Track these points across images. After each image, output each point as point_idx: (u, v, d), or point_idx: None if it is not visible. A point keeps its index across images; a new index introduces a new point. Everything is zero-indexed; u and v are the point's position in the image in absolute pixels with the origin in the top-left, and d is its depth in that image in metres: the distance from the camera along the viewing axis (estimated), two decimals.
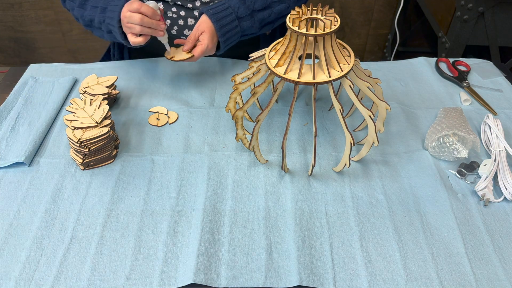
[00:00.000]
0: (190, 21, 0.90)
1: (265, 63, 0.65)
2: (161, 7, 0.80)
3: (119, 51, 1.03)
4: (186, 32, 0.92)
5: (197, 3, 0.88)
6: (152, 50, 0.98)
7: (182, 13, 0.89)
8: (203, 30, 0.81)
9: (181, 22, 0.91)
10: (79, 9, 0.86)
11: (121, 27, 0.79)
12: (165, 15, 0.91)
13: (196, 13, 0.89)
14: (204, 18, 0.81)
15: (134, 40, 0.77)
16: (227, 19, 0.82)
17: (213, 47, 0.83)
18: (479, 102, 0.86)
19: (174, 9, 0.89)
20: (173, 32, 0.93)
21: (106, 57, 1.10)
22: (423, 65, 0.97)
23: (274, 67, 0.63)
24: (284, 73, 0.62)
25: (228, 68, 0.95)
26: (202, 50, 0.80)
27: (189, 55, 0.81)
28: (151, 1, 0.77)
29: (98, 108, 0.72)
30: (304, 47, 0.60)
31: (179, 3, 0.88)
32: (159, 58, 0.97)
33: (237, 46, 0.93)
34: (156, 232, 0.62)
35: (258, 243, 0.60)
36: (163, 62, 0.97)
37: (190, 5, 0.88)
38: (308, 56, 0.62)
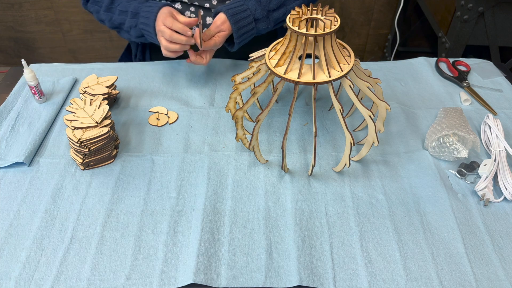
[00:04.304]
0: (209, 20, 0.90)
1: (265, 63, 0.65)
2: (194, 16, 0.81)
3: (142, 53, 1.04)
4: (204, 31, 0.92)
5: (214, 2, 0.88)
6: None
7: (201, 12, 0.89)
8: (224, 30, 0.81)
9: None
10: (106, 13, 0.88)
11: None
12: (183, 14, 0.91)
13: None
14: (224, 18, 0.81)
15: (165, 53, 0.79)
16: (245, 21, 0.82)
17: (220, 45, 0.84)
18: (479, 102, 0.86)
19: (192, 9, 0.90)
20: (192, 31, 0.93)
21: (126, 58, 1.10)
22: (423, 65, 0.97)
23: (274, 67, 0.63)
24: (284, 73, 0.62)
25: (228, 68, 0.95)
26: (213, 45, 0.81)
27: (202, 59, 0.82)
28: None
29: (98, 108, 0.72)
30: (304, 47, 0.60)
31: (196, 3, 0.89)
32: (160, 61, 0.97)
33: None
34: (156, 232, 0.62)
35: (258, 243, 0.60)
36: (163, 62, 0.97)
37: (207, 5, 0.89)
38: (308, 56, 0.62)
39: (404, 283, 0.56)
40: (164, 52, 0.80)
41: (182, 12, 0.91)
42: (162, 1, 0.85)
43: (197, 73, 0.93)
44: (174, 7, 0.90)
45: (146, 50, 1.04)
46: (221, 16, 0.82)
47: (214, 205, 0.65)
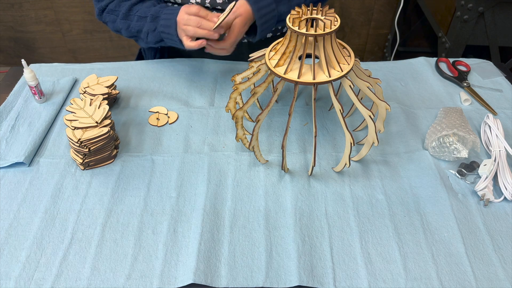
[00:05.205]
0: None
1: (265, 63, 0.65)
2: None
3: (160, 57, 1.03)
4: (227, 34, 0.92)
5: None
6: (191, 54, 0.98)
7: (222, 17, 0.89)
8: (240, 13, 0.78)
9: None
10: (123, 20, 0.86)
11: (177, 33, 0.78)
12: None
13: None
14: (241, 2, 0.79)
15: (189, 44, 0.76)
16: (264, 2, 0.80)
17: (243, 33, 0.80)
18: (479, 102, 0.86)
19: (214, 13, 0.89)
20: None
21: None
22: (423, 65, 0.97)
23: (274, 67, 0.63)
24: (284, 73, 0.62)
25: (228, 68, 0.95)
26: (235, 36, 0.78)
27: (224, 16, 0.74)
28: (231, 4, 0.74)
29: (98, 108, 0.72)
30: (304, 47, 0.60)
31: (219, 7, 0.88)
32: (160, 60, 0.97)
33: (238, 46, 0.94)
34: (156, 232, 0.62)
35: (258, 243, 0.60)
36: (163, 62, 0.97)
37: None
38: (308, 56, 0.62)
39: (404, 283, 0.56)
40: (187, 44, 0.76)
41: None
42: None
43: (197, 73, 0.93)
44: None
45: (165, 55, 1.03)
46: (239, 1, 0.78)
47: (214, 205, 0.65)
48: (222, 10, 0.88)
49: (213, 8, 0.88)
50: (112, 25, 0.89)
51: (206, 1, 0.87)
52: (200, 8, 0.74)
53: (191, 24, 0.74)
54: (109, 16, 0.88)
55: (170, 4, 0.88)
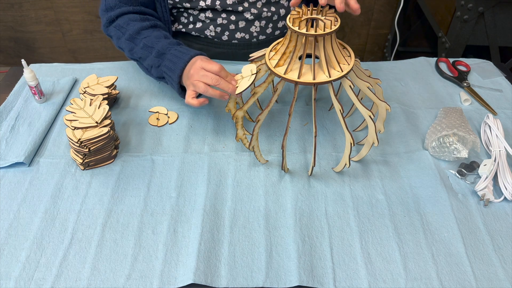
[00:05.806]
0: (241, 23, 0.90)
1: (265, 63, 0.65)
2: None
3: None
4: (237, 35, 0.92)
5: (246, 4, 0.87)
6: None
7: (233, 17, 0.89)
8: None
9: (232, 27, 0.90)
10: (128, 41, 0.81)
11: (180, 80, 0.75)
12: (215, 22, 0.90)
13: (246, 15, 0.89)
14: None
15: (191, 101, 0.71)
16: None
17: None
18: (479, 102, 0.86)
19: (224, 15, 0.89)
20: (224, 38, 0.92)
21: None
22: (423, 65, 0.97)
23: (274, 67, 0.63)
24: (284, 73, 0.62)
25: (228, 68, 0.95)
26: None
27: (249, 81, 0.66)
28: (251, 65, 0.68)
29: (98, 108, 0.72)
30: (304, 47, 0.60)
31: (229, 8, 0.87)
32: None
33: (238, 46, 0.94)
34: (156, 232, 0.62)
35: (258, 243, 0.60)
36: None
37: (240, 8, 0.87)
38: (308, 56, 0.62)
39: (404, 283, 0.56)
40: (190, 100, 0.70)
41: (213, 19, 0.89)
42: (196, 51, 0.76)
43: None
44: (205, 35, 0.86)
45: None
46: None
47: (214, 205, 0.65)
48: (232, 12, 0.88)
49: (223, 9, 0.88)
50: (116, 41, 0.85)
51: (217, 3, 0.86)
52: (222, 68, 0.69)
53: (206, 81, 0.68)
54: (115, 32, 0.84)
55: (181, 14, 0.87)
